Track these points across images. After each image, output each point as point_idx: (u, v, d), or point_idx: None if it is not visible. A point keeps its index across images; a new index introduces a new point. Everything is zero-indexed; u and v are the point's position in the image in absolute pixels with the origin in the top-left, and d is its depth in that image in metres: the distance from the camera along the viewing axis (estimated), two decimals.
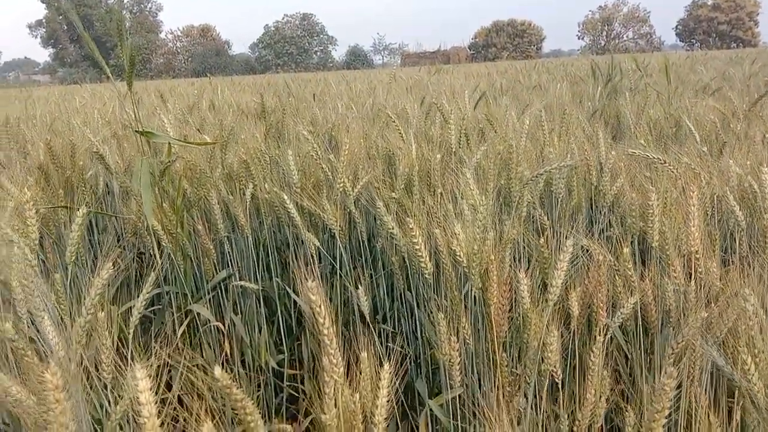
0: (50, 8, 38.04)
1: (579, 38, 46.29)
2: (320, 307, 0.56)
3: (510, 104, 2.17)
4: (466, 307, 0.92)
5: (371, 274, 1.45)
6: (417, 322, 1.38)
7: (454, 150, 1.33)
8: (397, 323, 1.41)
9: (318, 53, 44.40)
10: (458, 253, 0.82)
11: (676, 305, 0.89)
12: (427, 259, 0.86)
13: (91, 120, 2.35)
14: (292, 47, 42.64)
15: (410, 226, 0.83)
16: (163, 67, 40.31)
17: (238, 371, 1.31)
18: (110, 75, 1.00)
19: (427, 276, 0.87)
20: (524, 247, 1.09)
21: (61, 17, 37.98)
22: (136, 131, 1.01)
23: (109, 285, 1.15)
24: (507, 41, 43.04)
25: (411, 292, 1.35)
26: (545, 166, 1.06)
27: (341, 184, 1.24)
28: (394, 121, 1.42)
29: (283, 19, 43.78)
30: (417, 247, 0.84)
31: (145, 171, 0.96)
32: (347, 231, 1.35)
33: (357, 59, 42.29)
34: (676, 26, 44.52)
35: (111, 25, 34.96)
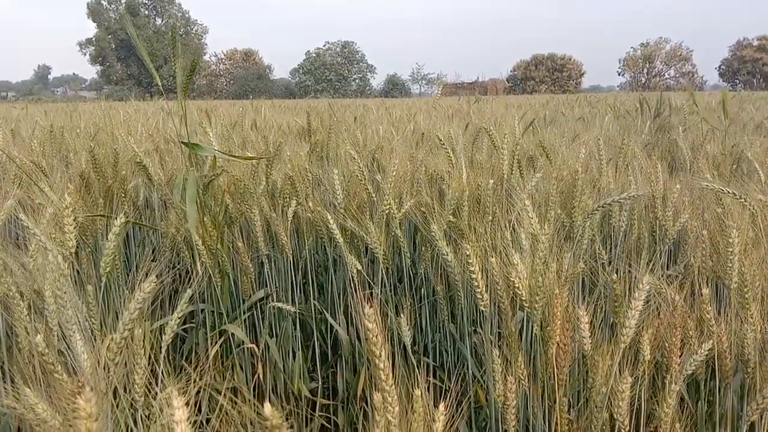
0: (100, 27, 39.31)
1: (619, 74, 45.96)
2: (377, 337, 0.51)
3: (558, 134, 2.10)
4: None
5: (411, 302, 1.38)
6: (459, 355, 1.30)
7: (505, 176, 1.27)
8: (438, 356, 1.34)
9: (356, 80, 44.86)
10: (518, 286, 0.75)
11: (755, 353, 0.81)
12: (484, 289, 0.79)
13: (134, 133, 2.35)
14: (331, 74, 43.17)
15: (467, 253, 0.77)
16: (206, 89, 41.15)
17: (269, 398, 1.25)
18: (161, 85, 0.97)
19: (482, 308, 0.80)
20: (585, 282, 1.02)
21: (110, 36, 39.18)
22: (182, 142, 0.98)
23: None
24: (546, 75, 42.95)
25: (454, 323, 1.28)
26: (607, 198, 0.99)
27: (387, 206, 1.19)
28: (442, 143, 1.37)
29: (324, 46, 44.42)
30: (474, 276, 0.78)
31: (191, 184, 0.92)
32: (389, 255, 1.29)
33: (395, 88, 42.55)
34: (720, 66, 43.92)
35: (158, 45, 35.97)
